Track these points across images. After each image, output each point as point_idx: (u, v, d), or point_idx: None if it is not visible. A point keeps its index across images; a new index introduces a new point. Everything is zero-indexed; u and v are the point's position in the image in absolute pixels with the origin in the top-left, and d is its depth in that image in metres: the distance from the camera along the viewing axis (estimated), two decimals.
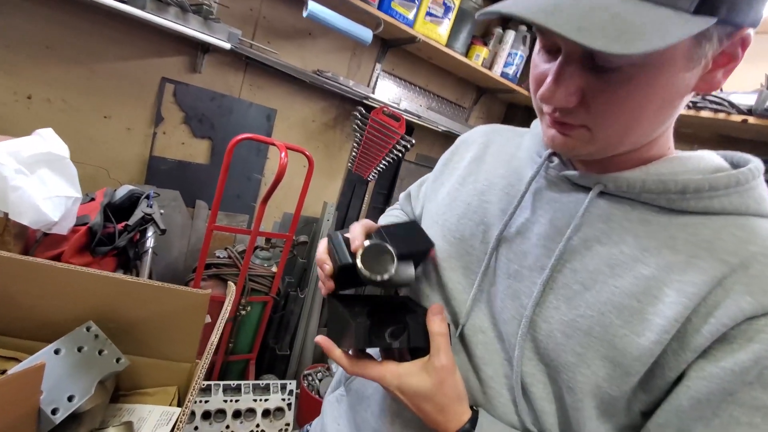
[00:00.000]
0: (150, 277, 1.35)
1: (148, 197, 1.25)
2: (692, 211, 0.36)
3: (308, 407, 1.80)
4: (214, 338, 0.62)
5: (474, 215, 0.49)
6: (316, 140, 2.01)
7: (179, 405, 0.62)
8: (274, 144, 1.44)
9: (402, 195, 0.77)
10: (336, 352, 0.42)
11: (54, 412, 0.47)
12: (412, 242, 0.48)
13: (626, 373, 0.34)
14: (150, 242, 1.14)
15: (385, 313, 0.44)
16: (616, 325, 0.35)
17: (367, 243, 0.43)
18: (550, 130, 0.38)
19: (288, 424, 1.56)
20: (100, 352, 0.54)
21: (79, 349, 0.53)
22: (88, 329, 0.55)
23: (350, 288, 0.49)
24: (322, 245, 0.49)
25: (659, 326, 0.33)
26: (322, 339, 0.43)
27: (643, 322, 0.34)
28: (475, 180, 0.52)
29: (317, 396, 1.78)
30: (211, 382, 1.50)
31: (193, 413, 1.42)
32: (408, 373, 0.40)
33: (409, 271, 0.45)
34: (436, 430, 0.40)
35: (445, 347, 0.40)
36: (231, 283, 0.69)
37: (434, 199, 0.57)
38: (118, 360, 0.56)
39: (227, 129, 1.78)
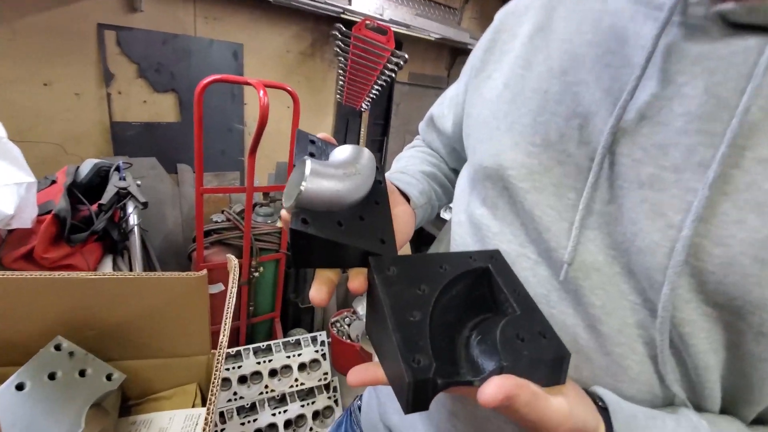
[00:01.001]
0: (147, 254, 1.23)
1: (118, 169, 1.08)
2: None
3: (342, 353, 1.79)
4: (227, 311, 0.50)
5: (559, 107, 0.34)
6: (295, 74, 1.76)
7: (203, 404, 0.52)
8: (248, 83, 1.22)
9: (421, 124, 0.60)
10: (381, 379, 0.27)
11: None
12: None
13: None
14: (133, 219, 0.99)
15: (455, 309, 0.29)
16: None
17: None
18: None
19: (326, 373, 1.54)
20: (82, 373, 0.43)
21: (51, 376, 0.41)
22: (57, 348, 0.43)
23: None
24: None
25: None
26: (358, 378, 0.28)
27: None
28: (548, 57, 0.36)
29: (349, 341, 1.76)
30: (240, 348, 1.45)
31: (228, 380, 1.39)
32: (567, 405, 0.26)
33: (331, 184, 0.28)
34: None
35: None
36: (231, 256, 0.56)
37: (481, 99, 0.41)
38: (109, 377, 0.45)
39: (191, 76, 1.53)
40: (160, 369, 0.52)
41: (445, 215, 1.67)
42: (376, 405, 0.51)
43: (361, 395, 0.61)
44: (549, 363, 0.25)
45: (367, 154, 0.32)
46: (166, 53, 1.48)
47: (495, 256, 0.30)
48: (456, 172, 0.59)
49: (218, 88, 1.59)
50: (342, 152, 0.32)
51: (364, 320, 0.30)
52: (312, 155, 0.32)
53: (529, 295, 0.28)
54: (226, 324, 0.42)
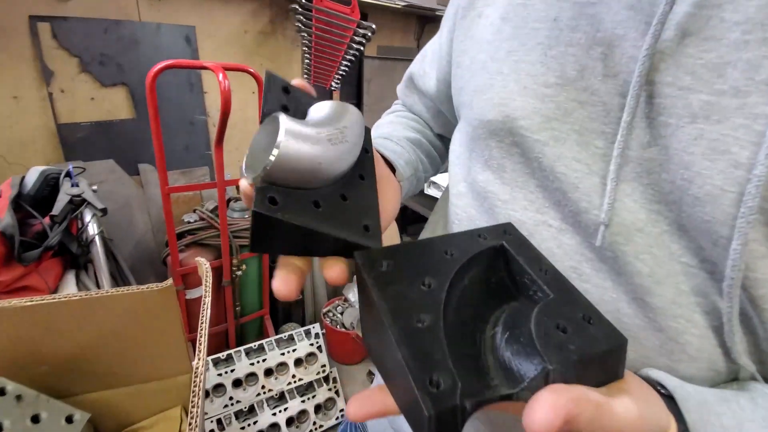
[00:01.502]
0: (116, 265, 1.13)
1: (69, 175, 0.97)
2: None
3: (338, 342, 1.75)
4: (203, 322, 0.43)
5: (574, 34, 0.28)
6: (257, 55, 1.63)
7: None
8: (205, 67, 1.11)
9: (400, 87, 0.53)
10: (391, 407, 0.21)
11: None
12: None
13: None
14: (93, 228, 0.90)
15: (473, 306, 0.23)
16: None
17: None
18: None
19: (324, 366, 1.50)
20: (35, 419, 0.36)
21: None
22: (1, 392, 0.36)
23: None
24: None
25: None
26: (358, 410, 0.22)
27: None
28: None
29: (343, 329, 1.72)
30: (231, 351, 1.39)
31: (222, 385, 1.33)
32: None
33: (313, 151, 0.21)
34: None
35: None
36: (200, 260, 0.49)
37: (474, 43, 0.35)
38: (69, 419, 0.38)
39: (141, 66, 1.40)
40: (136, 397, 0.45)
41: (429, 191, 1.62)
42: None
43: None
44: (604, 356, 0.19)
45: (354, 112, 0.25)
46: (109, 43, 1.34)
47: (508, 230, 0.25)
48: (442, 138, 0.52)
49: (174, 78, 1.46)
50: (322, 109, 0.24)
51: (359, 316, 0.24)
52: (285, 109, 0.24)
53: (560, 272, 0.22)
54: (202, 337, 0.36)
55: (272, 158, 0.20)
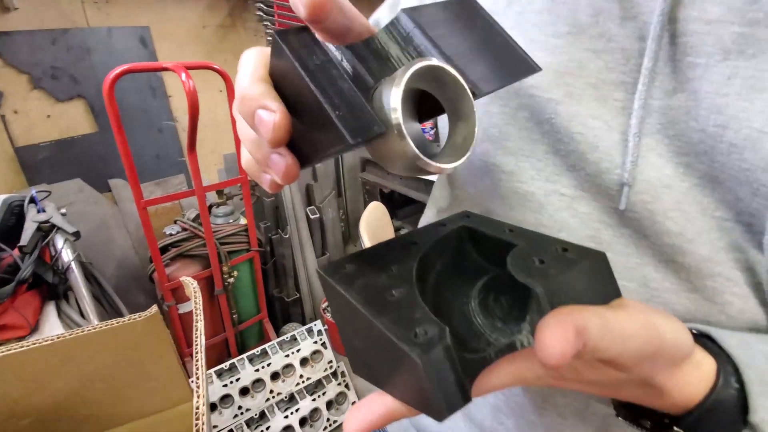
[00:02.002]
0: (100, 289, 1.08)
1: (34, 201, 0.91)
2: None
3: None
4: (198, 348, 0.40)
5: None
6: (219, 51, 1.55)
7: None
8: (166, 69, 1.04)
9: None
10: (392, 407, 0.18)
11: None
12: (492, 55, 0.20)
13: None
14: (67, 254, 0.84)
15: (453, 273, 0.22)
16: None
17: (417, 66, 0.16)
18: None
19: (330, 361, 1.49)
20: None
21: None
22: None
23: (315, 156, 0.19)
24: (255, 58, 0.19)
25: None
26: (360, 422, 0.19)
27: None
28: None
29: None
30: (233, 360, 1.36)
31: (229, 396, 1.30)
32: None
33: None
34: (658, 405, 0.21)
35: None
36: (187, 279, 0.46)
37: None
38: None
39: (96, 76, 1.31)
40: None
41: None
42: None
43: None
44: (588, 272, 0.18)
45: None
46: (59, 54, 1.25)
47: (468, 215, 0.25)
48: None
49: (133, 84, 1.38)
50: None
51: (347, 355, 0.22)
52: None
53: (526, 228, 0.22)
54: (198, 370, 0.32)
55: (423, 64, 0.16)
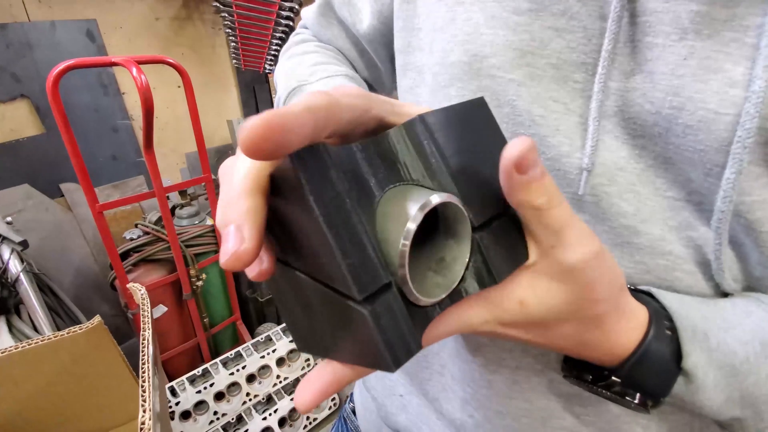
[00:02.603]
0: (57, 300, 1.02)
1: None
2: None
3: None
4: (145, 342, 0.36)
5: None
6: (175, 45, 1.48)
7: None
8: (115, 64, 0.98)
9: (310, 14, 0.44)
10: (340, 372, 0.18)
11: None
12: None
13: None
14: (15, 266, 0.79)
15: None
16: None
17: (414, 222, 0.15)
18: None
19: (308, 359, 1.47)
20: None
21: None
22: None
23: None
24: (251, 166, 0.16)
25: None
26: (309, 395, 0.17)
27: None
28: None
29: None
30: (206, 365, 1.32)
31: (204, 402, 1.27)
32: (522, 299, 0.19)
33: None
34: (596, 357, 0.22)
35: (568, 217, 0.17)
36: (134, 287, 0.43)
37: None
38: None
39: (40, 73, 1.23)
40: None
41: None
42: (375, 407, 0.43)
43: (351, 395, 0.52)
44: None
45: None
46: None
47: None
48: (368, 84, 0.44)
49: (82, 80, 1.30)
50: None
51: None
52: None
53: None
54: (145, 390, 0.30)
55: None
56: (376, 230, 0.16)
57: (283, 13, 1.45)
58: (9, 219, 0.88)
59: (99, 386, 0.38)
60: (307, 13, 0.45)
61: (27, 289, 0.81)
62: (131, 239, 1.25)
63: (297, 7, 1.45)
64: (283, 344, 1.46)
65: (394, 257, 0.15)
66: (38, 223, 1.19)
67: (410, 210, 0.15)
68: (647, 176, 0.23)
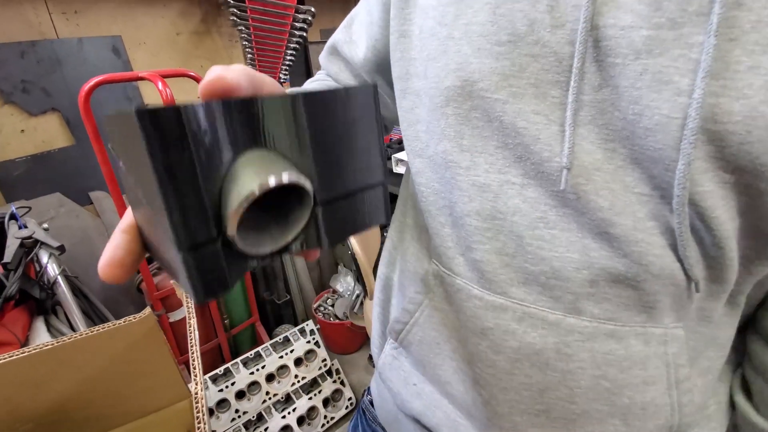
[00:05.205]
0: (88, 302, 1.07)
1: (14, 218, 0.90)
2: None
3: (335, 335, 1.75)
4: (193, 338, 0.41)
5: None
6: (195, 57, 1.55)
7: None
8: (142, 78, 1.04)
9: (322, 56, 0.51)
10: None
11: None
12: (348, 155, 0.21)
13: None
14: (53, 269, 0.84)
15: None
16: None
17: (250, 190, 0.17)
18: None
19: (324, 360, 1.50)
20: None
21: None
22: None
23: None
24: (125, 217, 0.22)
25: None
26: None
27: None
28: None
29: (337, 320, 1.72)
30: (227, 365, 1.36)
31: (226, 400, 1.31)
32: None
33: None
34: None
35: None
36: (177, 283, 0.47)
37: (419, 10, 0.34)
38: None
39: (70, 88, 1.30)
40: None
41: (397, 169, 1.61)
42: (391, 397, 0.46)
43: (369, 388, 0.56)
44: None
45: None
46: (28, 67, 1.23)
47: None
48: None
49: (109, 94, 1.36)
50: None
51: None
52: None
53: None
54: (194, 360, 0.34)
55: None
56: (222, 184, 0.17)
57: (297, 24, 1.50)
58: (45, 225, 0.94)
59: (146, 371, 0.42)
60: (320, 55, 0.52)
61: (64, 291, 0.86)
62: None
63: (310, 18, 1.50)
64: (301, 345, 1.50)
65: (226, 213, 0.16)
66: (69, 229, 1.25)
67: (260, 178, 0.16)
68: (618, 175, 0.27)
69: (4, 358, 0.34)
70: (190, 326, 0.37)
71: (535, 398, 0.33)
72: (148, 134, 0.15)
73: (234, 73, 0.19)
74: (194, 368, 0.32)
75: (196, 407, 0.31)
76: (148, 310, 0.40)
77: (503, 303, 0.32)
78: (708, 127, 0.23)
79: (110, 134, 0.19)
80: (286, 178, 0.17)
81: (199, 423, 0.30)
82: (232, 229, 0.17)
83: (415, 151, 0.36)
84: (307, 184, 0.18)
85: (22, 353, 0.35)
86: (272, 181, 0.17)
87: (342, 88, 0.19)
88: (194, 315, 0.40)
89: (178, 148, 0.15)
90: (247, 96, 0.18)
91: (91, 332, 0.38)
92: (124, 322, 0.39)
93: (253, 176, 0.17)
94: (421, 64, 0.34)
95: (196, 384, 0.30)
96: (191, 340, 0.36)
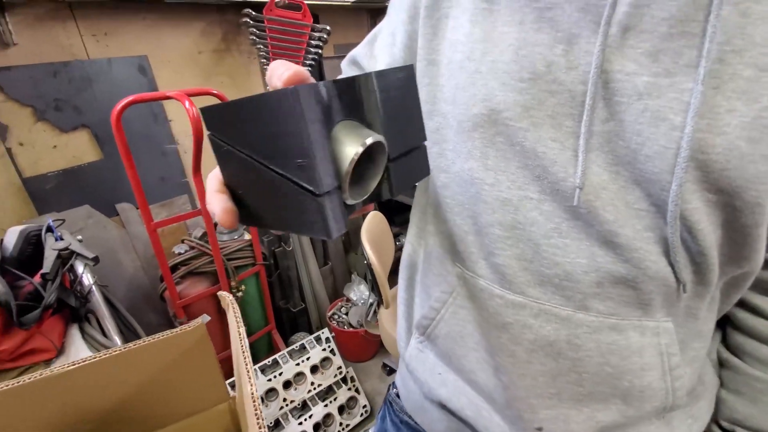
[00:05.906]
0: (115, 311, 1.12)
1: (50, 230, 0.95)
2: None
3: (350, 342, 1.78)
4: (242, 337, 0.44)
5: (539, 35, 0.33)
6: (216, 74, 1.61)
7: None
8: (170, 97, 1.09)
9: (344, 63, 0.56)
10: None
11: None
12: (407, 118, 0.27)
13: None
14: (88, 279, 0.89)
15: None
16: None
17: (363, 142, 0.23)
18: None
19: (339, 367, 1.53)
20: None
21: None
22: None
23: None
24: (212, 178, 0.28)
25: None
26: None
27: None
28: None
29: (351, 329, 1.75)
30: None
31: None
32: None
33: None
34: None
35: None
36: (224, 294, 0.50)
37: (448, 43, 0.39)
38: None
39: (99, 105, 1.36)
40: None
41: None
42: (417, 387, 0.50)
43: (394, 382, 0.59)
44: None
45: None
46: (61, 86, 1.30)
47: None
48: None
49: (135, 110, 1.43)
50: None
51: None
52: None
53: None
54: (246, 357, 0.37)
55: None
56: (332, 148, 0.22)
57: (312, 42, 1.56)
58: (80, 237, 0.99)
59: (195, 375, 0.45)
60: (342, 62, 0.57)
61: (98, 300, 0.91)
62: (179, 253, 1.35)
63: (326, 36, 1.55)
64: (317, 352, 1.52)
65: (341, 171, 0.22)
66: (97, 240, 1.31)
67: (357, 141, 0.22)
68: (621, 194, 0.32)
69: (80, 363, 0.38)
70: (237, 325, 0.41)
71: (549, 383, 0.37)
72: (304, 105, 0.20)
73: (300, 67, 0.25)
74: (246, 366, 0.35)
75: (254, 404, 0.34)
76: (200, 320, 0.43)
77: (522, 301, 0.36)
78: (696, 156, 0.28)
79: (212, 124, 0.25)
80: (375, 139, 0.22)
81: (258, 420, 0.33)
82: (345, 182, 0.22)
83: (440, 167, 0.40)
84: (386, 145, 0.24)
85: (95, 358, 0.39)
86: (369, 141, 0.22)
87: (395, 67, 0.25)
88: (239, 314, 0.43)
89: (324, 114, 0.21)
90: (349, 76, 0.23)
91: (152, 340, 0.42)
92: (180, 330, 0.42)
93: (355, 139, 0.22)
94: (449, 91, 0.38)
95: (251, 385, 0.34)
96: (241, 338, 0.40)
